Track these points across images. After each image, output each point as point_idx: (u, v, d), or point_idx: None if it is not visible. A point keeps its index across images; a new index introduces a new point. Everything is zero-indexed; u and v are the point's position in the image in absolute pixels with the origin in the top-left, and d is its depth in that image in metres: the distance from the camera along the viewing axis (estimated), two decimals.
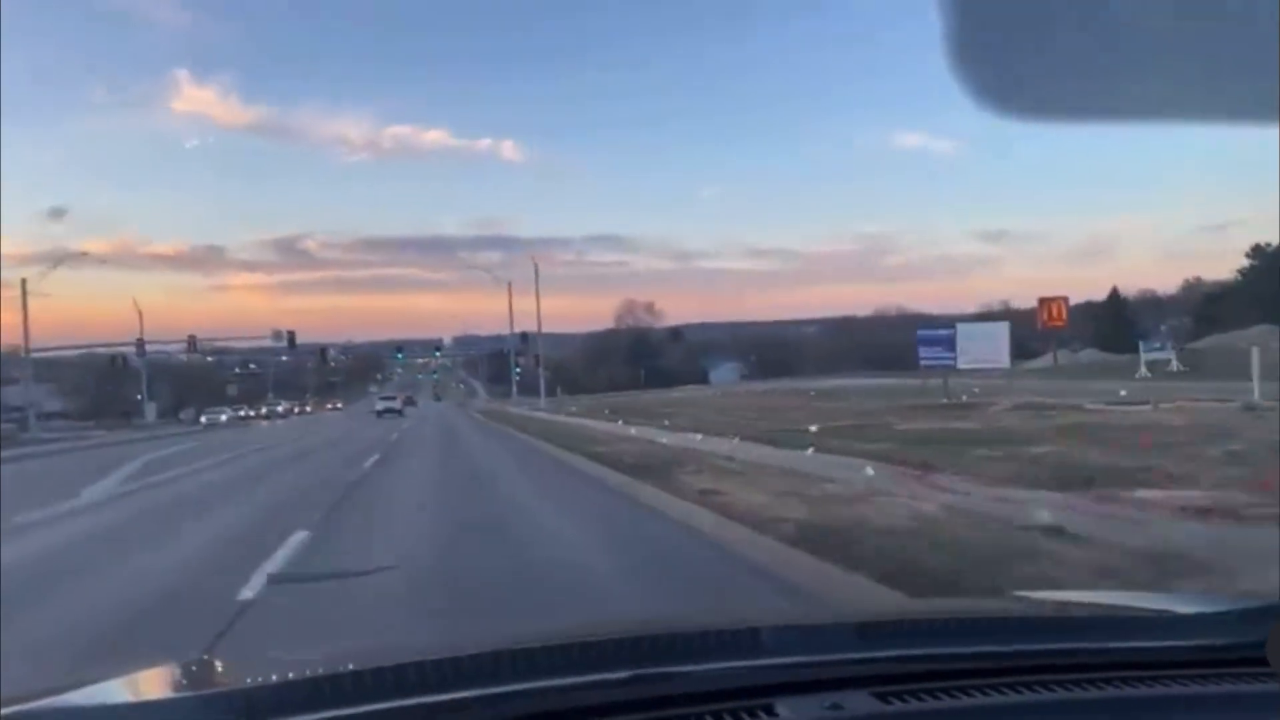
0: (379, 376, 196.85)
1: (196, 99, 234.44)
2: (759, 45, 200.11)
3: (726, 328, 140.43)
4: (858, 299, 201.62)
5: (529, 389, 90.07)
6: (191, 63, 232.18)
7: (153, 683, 1.51)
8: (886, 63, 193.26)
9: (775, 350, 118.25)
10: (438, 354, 61.18)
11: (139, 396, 69.05)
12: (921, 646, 1.48)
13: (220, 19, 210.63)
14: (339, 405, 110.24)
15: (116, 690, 1.43)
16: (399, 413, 63.98)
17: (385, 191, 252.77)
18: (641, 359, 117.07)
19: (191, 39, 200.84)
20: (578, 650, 1.51)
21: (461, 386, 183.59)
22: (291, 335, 63.76)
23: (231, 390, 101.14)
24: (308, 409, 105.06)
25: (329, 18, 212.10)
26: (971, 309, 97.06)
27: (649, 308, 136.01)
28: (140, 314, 69.56)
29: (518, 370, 71.36)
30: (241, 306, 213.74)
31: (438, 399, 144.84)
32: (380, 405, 68.21)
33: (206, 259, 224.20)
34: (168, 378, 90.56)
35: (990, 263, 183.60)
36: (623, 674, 1.31)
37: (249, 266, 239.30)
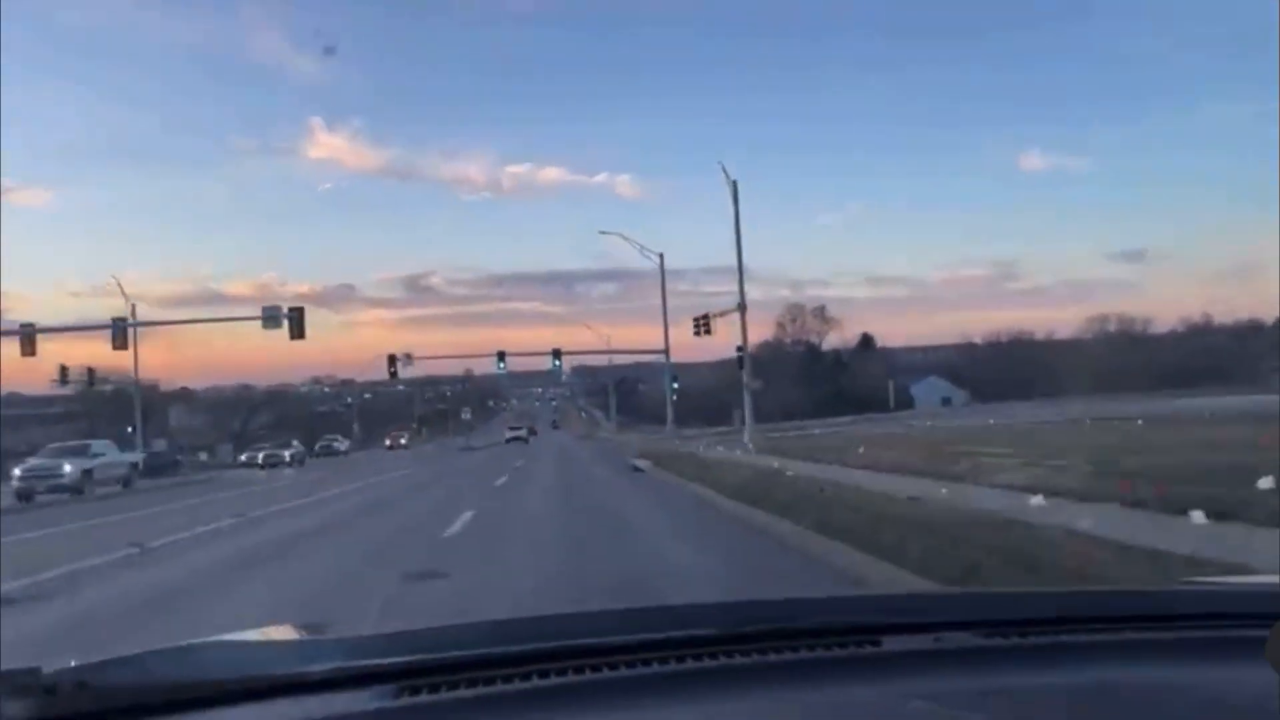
0: (490, 403, 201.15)
1: (329, 145, 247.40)
2: (872, 77, 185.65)
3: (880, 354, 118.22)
4: (987, 325, 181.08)
5: (653, 418, 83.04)
6: (325, 111, 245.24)
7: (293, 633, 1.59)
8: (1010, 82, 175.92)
9: (983, 370, 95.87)
10: (556, 363, 48.28)
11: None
12: (1018, 610, 1.56)
13: (350, 68, 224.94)
14: (403, 441, 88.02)
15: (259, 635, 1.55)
16: (525, 441, 72.51)
17: (505, 228, 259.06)
18: (816, 379, 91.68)
19: (325, 88, 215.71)
20: (682, 610, 1.60)
21: (583, 415, 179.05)
22: (393, 359, 55.04)
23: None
24: (384, 445, 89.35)
25: (451, 62, 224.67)
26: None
27: (820, 313, 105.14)
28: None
29: (674, 392, 57.29)
30: (369, 342, 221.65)
31: (555, 427, 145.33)
32: (508, 434, 78.19)
33: (337, 296, 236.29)
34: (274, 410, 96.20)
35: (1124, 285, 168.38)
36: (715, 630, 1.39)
37: (377, 303, 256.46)
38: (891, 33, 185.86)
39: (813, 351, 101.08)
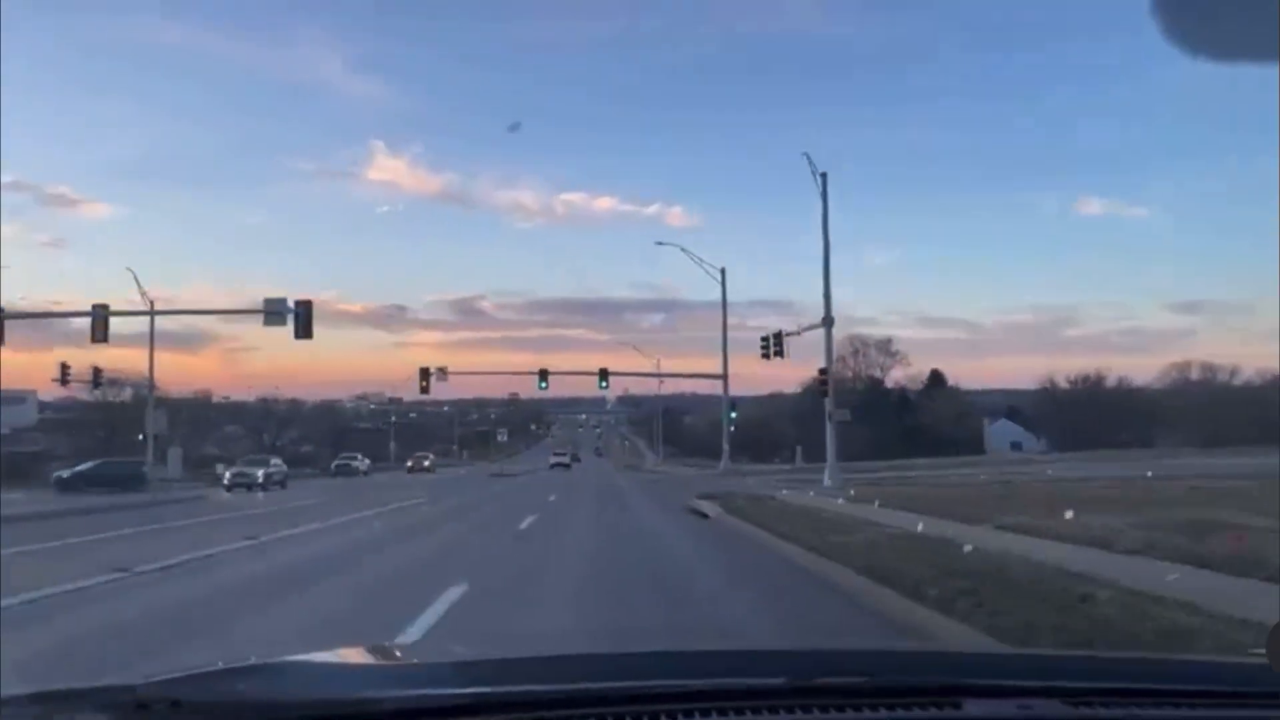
0: (532, 427, 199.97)
1: (389, 168, 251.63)
2: (926, 112, 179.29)
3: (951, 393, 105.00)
4: (1044, 369, 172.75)
5: (698, 450, 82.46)
6: (387, 134, 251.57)
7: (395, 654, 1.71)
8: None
9: (1059, 415, 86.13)
10: (603, 384, 43.79)
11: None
12: (1106, 679, 1.50)
13: (410, 93, 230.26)
14: (426, 464, 78.74)
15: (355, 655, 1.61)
16: (568, 467, 76.21)
17: (556, 254, 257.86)
18: (881, 417, 79.81)
19: (388, 112, 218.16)
20: (767, 656, 1.69)
21: (626, 444, 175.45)
22: (425, 372, 52.62)
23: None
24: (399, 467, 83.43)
25: (509, 90, 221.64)
26: None
27: (885, 346, 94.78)
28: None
29: (732, 426, 51.82)
30: (419, 361, 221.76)
31: (599, 455, 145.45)
32: (553, 460, 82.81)
33: (390, 317, 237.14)
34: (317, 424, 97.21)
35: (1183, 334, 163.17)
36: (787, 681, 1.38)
37: (428, 324, 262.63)
38: (954, 75, 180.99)
39: (876, 387, 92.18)
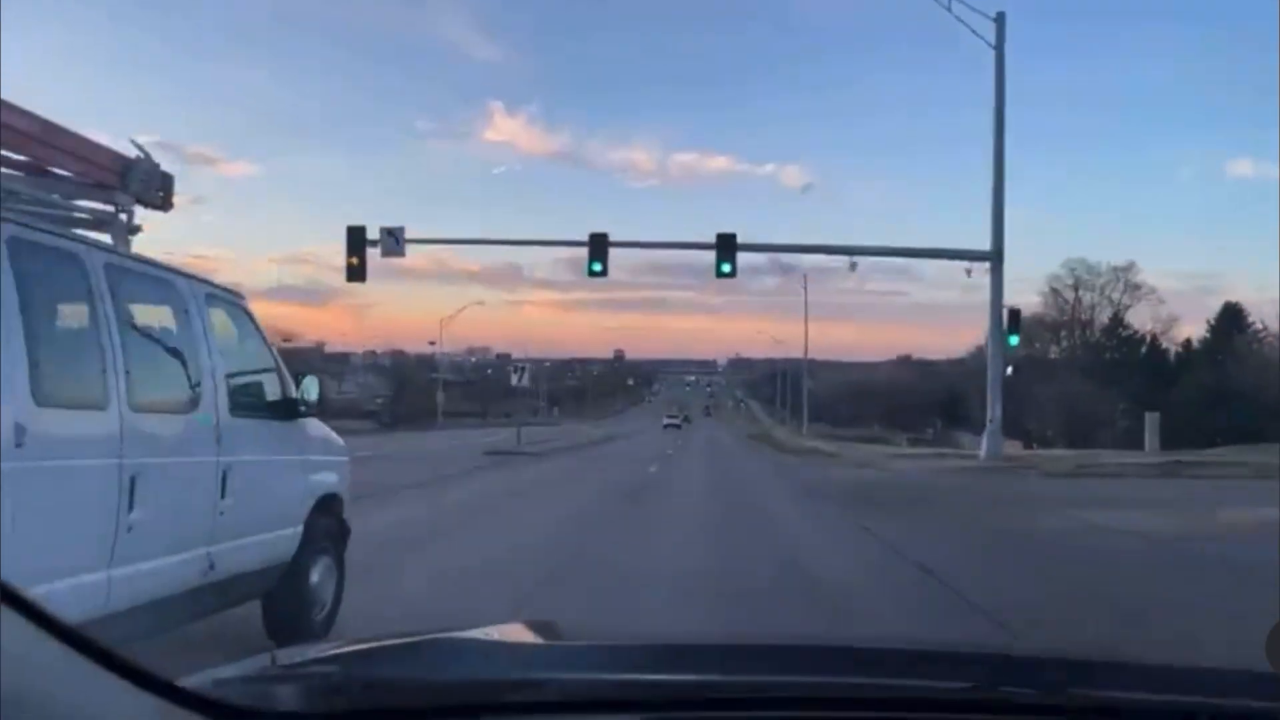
0: (630, 382, 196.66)
1: (506, 128, 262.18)
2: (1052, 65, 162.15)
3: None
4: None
5: (815, 417, 73.31)
6: (505, 95, 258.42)
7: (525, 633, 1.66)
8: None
9: None
10: (725, 266, 29.13)
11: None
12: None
13: (530, 54, 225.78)
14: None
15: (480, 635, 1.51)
16: (678, 427, 75.00)
17: (671, 215, 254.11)
18: (1132, 377, 56.09)
19: (507, 73, 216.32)
20: (908, 655, 1.61)
21: (742, 407, 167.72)
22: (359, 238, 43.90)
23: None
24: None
25: (624, 49, 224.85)
26: None
27: (1123, 275, 66.64)
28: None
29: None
30: (533, 320, 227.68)
31: (708, 414, 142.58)
32: (666, 421, 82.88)
33: (506, 276, 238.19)
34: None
35: None
36: (955, 683, 1.32)
37: (542, 284, 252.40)
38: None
39: (1115, 331, 64.42)
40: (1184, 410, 47.01)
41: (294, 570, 5.20)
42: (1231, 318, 60.81)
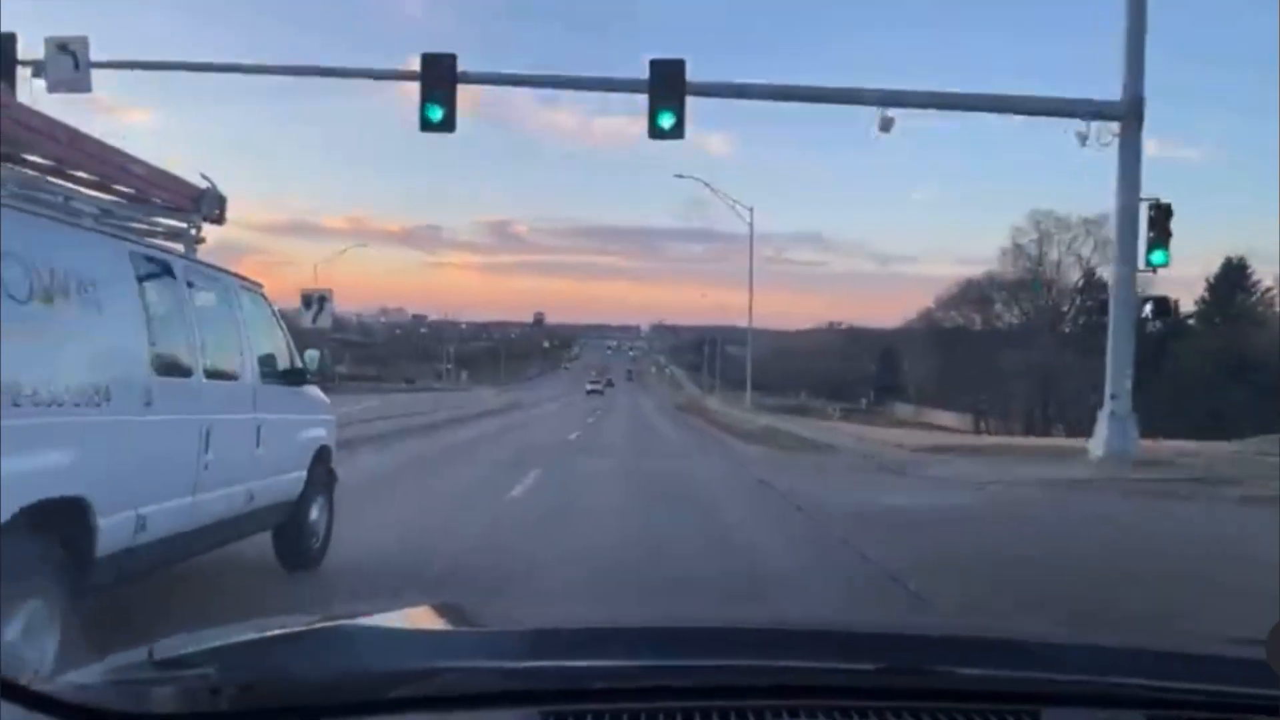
0: (546, 345, 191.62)
1: None
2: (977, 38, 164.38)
3: None
4: None
5: (739, 385, 70.32)
6: (419, 49, 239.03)
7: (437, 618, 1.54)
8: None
9: None
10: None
11: None
12: (1203, 680, 1.29)
13: (449, 9, 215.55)
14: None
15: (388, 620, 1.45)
16: (601, 393, 75.27)
17: (592, 181, 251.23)
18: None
19: (420, 27, 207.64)
20: (828, 638, 1.45)
21: (668, 373, 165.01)
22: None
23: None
24: None
25: (546, 10, 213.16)
26: None
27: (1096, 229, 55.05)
28: None
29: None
30: (453, 283, 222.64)
31: (630, 379, 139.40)
32: (589, 386, 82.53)
33: (425, 237, 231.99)
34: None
35: None
36: (874, 665, 1.25)
37: (463, 247, 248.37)
38: None
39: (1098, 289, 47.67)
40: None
41: (299, 507, 6.48)
42: (1235, 272, 52.25)
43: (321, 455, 6.92)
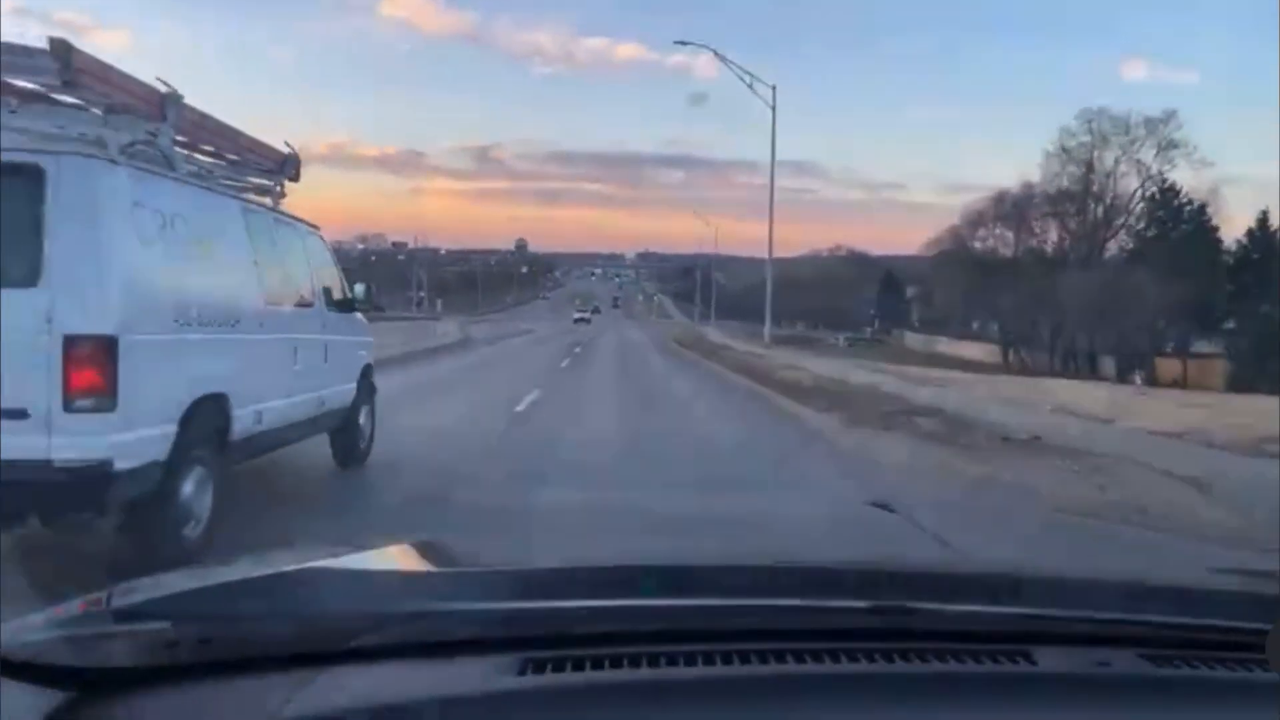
0: (524, 270, 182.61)
1: (405, 4, 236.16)
2: None
3: None
4: None
5: (729, 313, 72.63)
6: None
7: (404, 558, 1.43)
8: None
9: None
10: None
11: None
12: (1193, 614, 1.26)
13: None
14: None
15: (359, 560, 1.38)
16: (588, 322, 75.13)
17: (577, 105, 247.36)
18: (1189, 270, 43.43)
19: None
20: (818, 574, 1.39)
21: (655, 302, 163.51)
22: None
23: None
24: None
25: None
26: None
27: (1160, 130, 52.82)
28: None
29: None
30: (434, 209, 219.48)
31: (616, 306, 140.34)
32: (575, 315, 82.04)
33: (406, 163, 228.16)
34: None
35: None
36: (861, 603, 1.17)
37: (444, 172, 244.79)
38: None
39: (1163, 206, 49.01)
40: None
41: (351, 413, 7.84)
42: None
43: (366, 371, 8.28)
